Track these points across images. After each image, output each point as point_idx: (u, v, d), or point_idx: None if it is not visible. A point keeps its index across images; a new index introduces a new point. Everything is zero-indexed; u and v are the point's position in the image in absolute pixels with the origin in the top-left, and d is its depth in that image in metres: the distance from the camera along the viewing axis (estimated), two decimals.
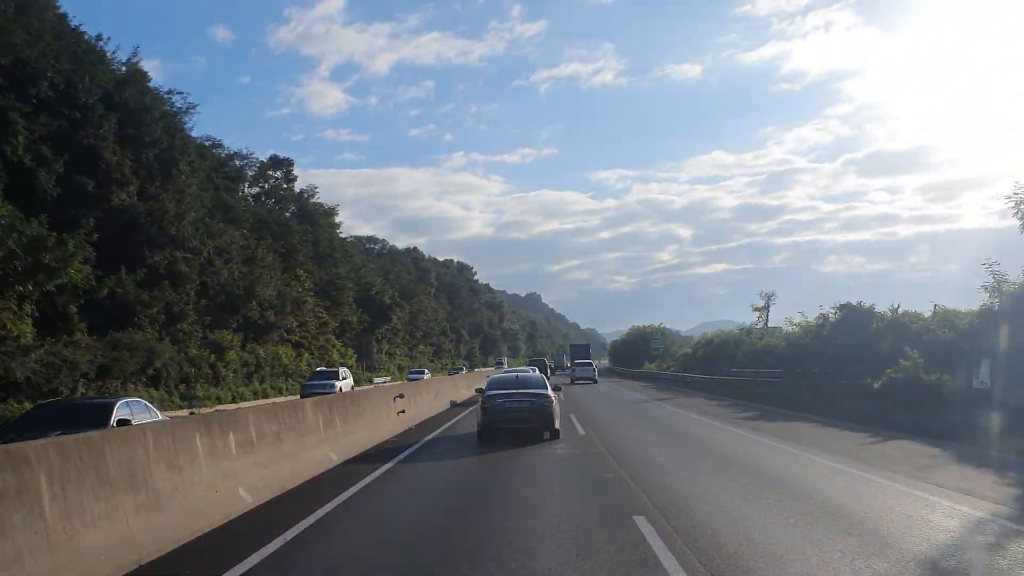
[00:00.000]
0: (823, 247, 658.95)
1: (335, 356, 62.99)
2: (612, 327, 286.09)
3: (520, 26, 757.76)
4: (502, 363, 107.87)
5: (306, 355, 56.54)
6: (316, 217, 72.64)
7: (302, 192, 74.95)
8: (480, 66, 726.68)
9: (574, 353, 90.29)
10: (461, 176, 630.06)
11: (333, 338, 63.98)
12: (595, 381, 54.36)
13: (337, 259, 69.93)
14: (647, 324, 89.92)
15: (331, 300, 64.81)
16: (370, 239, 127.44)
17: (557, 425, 16.98)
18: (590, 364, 59.60)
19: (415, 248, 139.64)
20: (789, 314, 45.17)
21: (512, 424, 16.37)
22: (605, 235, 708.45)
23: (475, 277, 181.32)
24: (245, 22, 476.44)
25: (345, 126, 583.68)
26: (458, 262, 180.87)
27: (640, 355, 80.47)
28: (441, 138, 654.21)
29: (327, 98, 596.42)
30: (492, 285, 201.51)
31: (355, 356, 68.97)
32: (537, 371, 25.22)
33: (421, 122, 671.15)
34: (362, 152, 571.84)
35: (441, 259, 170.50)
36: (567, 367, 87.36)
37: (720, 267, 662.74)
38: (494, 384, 17.72)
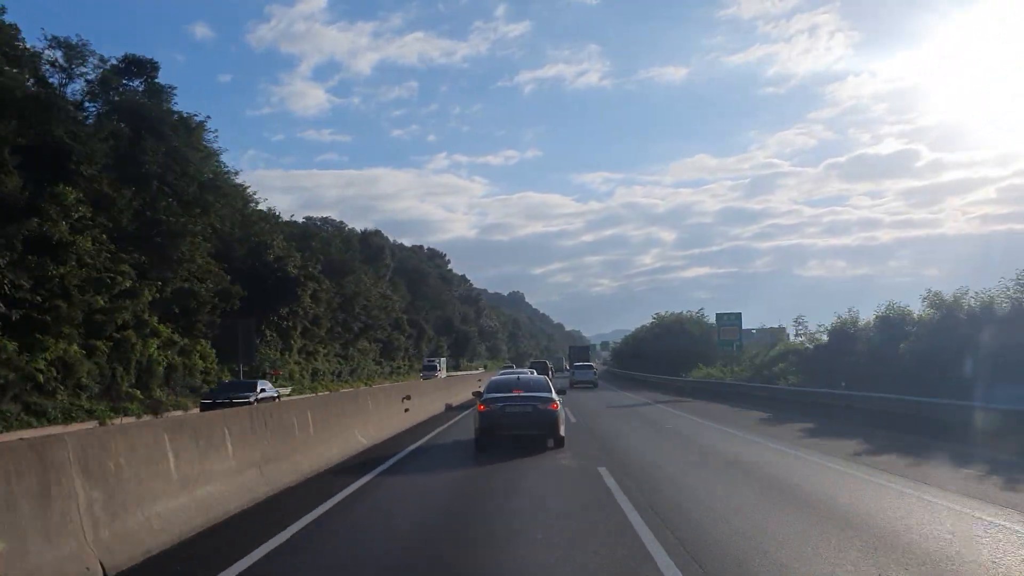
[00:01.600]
0: (805, 251, 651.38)
1: (153, 351, 34.61)
2: (595, 330, 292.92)
3: (504, 26, 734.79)
4: (435, 367, 77.59)
5: (58, 347, 28.09)
6: (163, 128, 44.09)
7: (155, 93, 46.43)
8: (463, 67, 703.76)
9: (573, 355, 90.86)
10: (444, 177, 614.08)
11: (155, 320, 35.57)
12: (595, 384, 52.07)
13: (183, 189, 41.47)
14: (684, 311, 62.26)
15: (153, 253, 36.30)
16: (325, 220, 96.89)
17: (562, 432, 15.49)
18: (590, 367, 56.99)
19: (376, 231, 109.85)
20: (767, 319, 28.55)
21: (513, 431, 15.12)
22: (588, 238, 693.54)
23: (448, 266, 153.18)
24: (226, 19, 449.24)
25: (327, 126, 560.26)
26: (429, 248, 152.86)
27: (678, 354, 52.91)
28: (424, 139, 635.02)
29: (309, 98, 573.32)
30: (474, 286, 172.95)
31: (214, 353, 40.55)
32: (536, 373, 23.12)
33: (404, 123, 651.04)
34: (344, 153, 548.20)
35: (408, 244, 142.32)
36: (567, 369, 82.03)
37: (703, 271, 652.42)
38: (493, 387, 16.22)
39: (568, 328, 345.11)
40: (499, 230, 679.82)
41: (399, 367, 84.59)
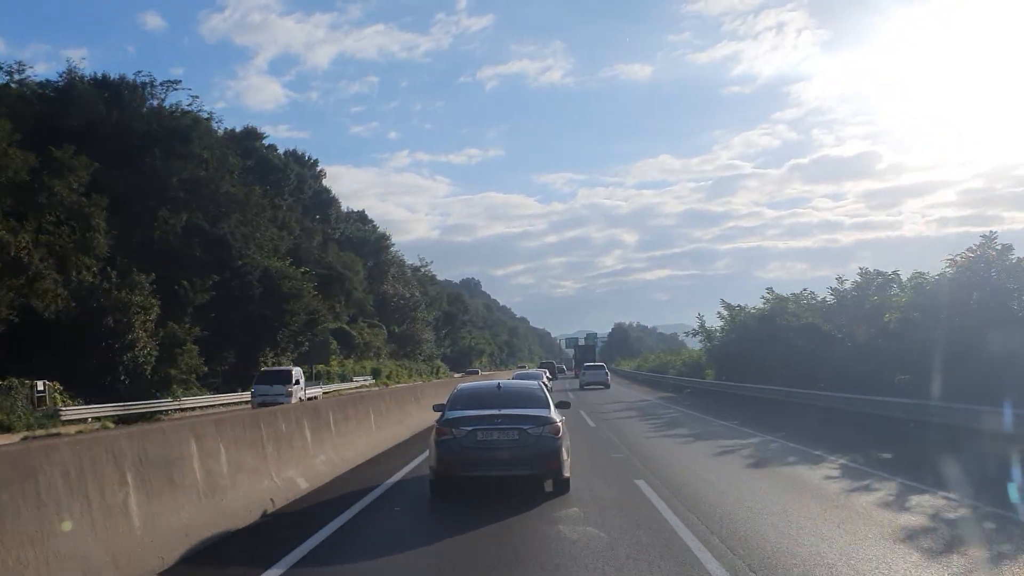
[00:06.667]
0: (766, 254, 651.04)
1: None
2: (559, 331, 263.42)
3: (467, 20, 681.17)
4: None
5: None
6: None
7: None
8: (425, 62, 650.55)
9: (578, 354, 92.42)
10: (406, 177, 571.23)
11: None
12: (607, 385, 48.04)
13: None
14: None
15: None
16: None
17: (567, 472, 10.19)
18: (601, 366, 53.47)
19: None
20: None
21: (490, 469, 9.95)
22: (551, 239, 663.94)
23: (324, 181, 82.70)
24: (178, 8, 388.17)
25: (284, 122, 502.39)
26: (302, 152, 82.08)
27: None
28: (385, 136, 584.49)
29: (265, 92, 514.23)
30: (379, 228, 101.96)
31: None
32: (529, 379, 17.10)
33: (364, 119, 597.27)
34: (302, 149, 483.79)
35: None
36: (571, 370, 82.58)
37: (664, 273, 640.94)
38: (462, 400, 10.86)
39: (535, 326, 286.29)
40: (461, 231, 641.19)
41: None
